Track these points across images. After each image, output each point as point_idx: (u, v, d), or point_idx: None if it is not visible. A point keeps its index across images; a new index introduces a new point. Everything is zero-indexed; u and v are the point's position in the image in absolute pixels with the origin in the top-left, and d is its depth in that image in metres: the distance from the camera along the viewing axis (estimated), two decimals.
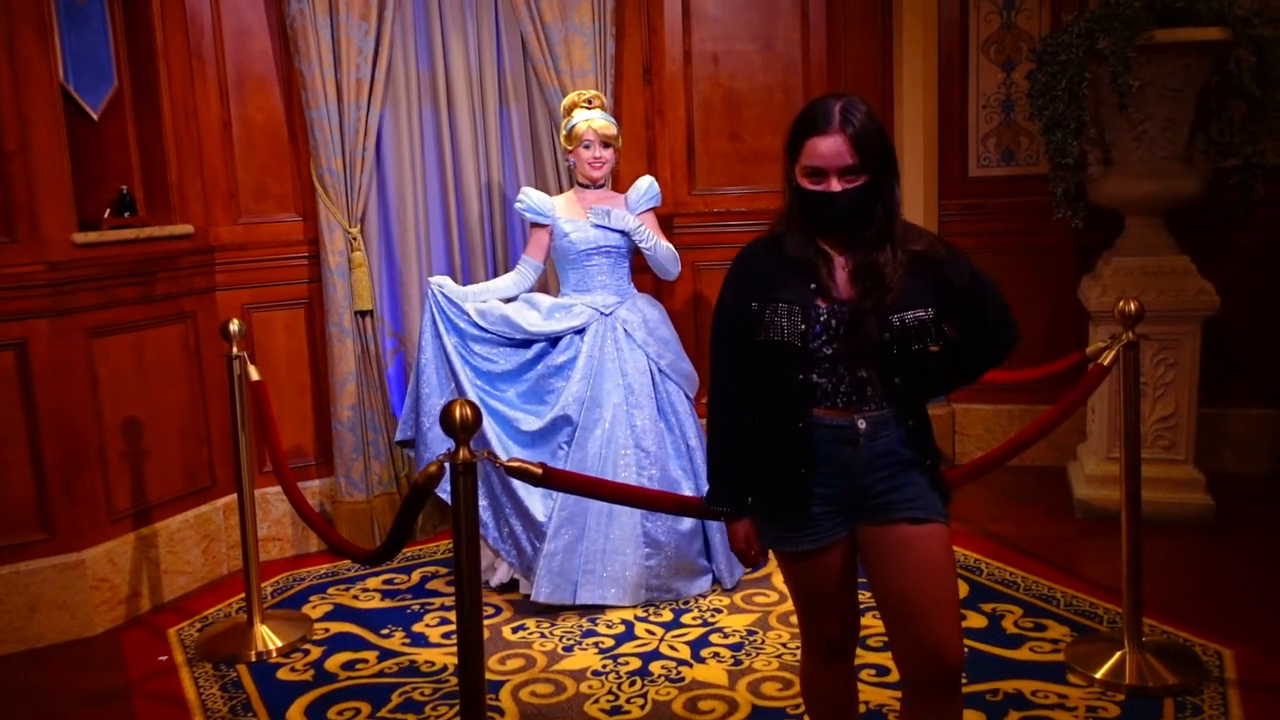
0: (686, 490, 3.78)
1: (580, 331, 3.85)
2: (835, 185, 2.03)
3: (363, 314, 4.29)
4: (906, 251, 2.06)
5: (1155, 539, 3.82)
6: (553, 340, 3.85)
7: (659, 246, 3.95)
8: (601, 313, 3.87)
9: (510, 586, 3.88)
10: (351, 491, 4.33)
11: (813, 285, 2.08)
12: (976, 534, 4.22)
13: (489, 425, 3.75)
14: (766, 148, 4.80)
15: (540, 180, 4.51)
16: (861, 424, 2.08)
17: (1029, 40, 4.77)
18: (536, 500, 3.73)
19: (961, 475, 3.20)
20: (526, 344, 3.86)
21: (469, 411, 2.12)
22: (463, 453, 2.14)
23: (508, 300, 3.97)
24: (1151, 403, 4.17)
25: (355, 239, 4.23)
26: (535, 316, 3.86)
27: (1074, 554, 4.00)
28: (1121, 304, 3.11)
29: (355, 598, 3.93)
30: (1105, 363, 3.12)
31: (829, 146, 2.01)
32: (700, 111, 4.88)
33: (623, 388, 3.80)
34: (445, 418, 2.13)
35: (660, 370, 3.88)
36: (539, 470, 2.32)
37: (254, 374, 3.57)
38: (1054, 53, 4.01)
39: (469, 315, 3.83)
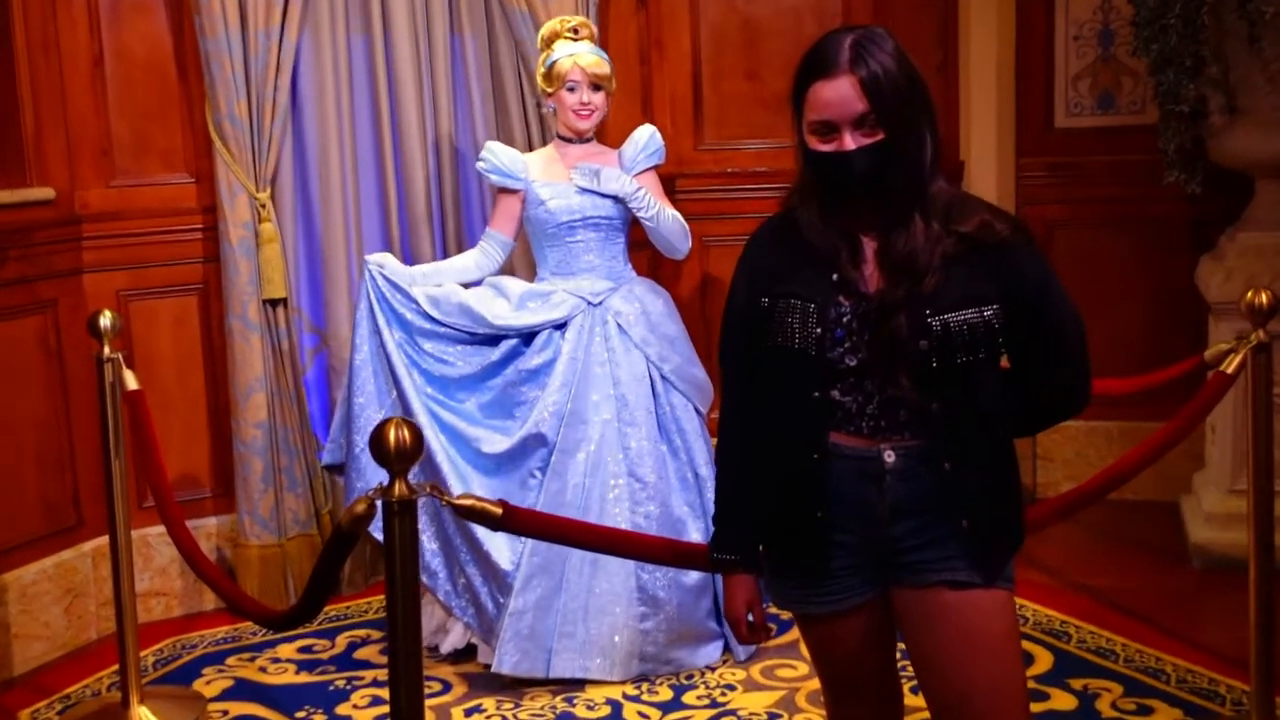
0: (694, 533, 3.78)
1: (561, 326, 3.85)
2: (849, 143, 2.02)
3: (274, 303, 4.28)
4: (953, 231, 2.05)
5: None
6: (526, 337, 3.85)
7: (663, 215, 3.95)
8: (589, 302, 3.87)
9: (466, 654, 3.88)
10: (259, 532, 4.32)
11: (834, 276, 2.08)
12: (1064, 588, 4.22)
13: (441, 446, 3.75)
14: None
15: (504, 133, 4.51)
16: (890, 457, 2.07)
17: None
18: (501, 543, 3.72)
19: (1045, 514, 3.21)
20: (492, 341, 3.86)
21: (406, 434, 2.12)
22: (398, 487, 2.13)
23: (468, 285, 3.97)
24: None
25: (264, 207, 4.22)
26: (504, 306, 3.86)
27: (1189, 614, 4.01)
28: (1250, 294, 3.12)
29: (263, 670, 3.92)
30: (1229, 370, 3.13)
31: (835, 93, 2.00)
32: (709, 44, 4.88)
33: (614, 399, 3.79)
34: (376, 442, 2.13)
35: (663, 377, 3.88)
36: (498, 510, 2.32)
37: (131, 381, 3.55)
38: None
39: (417, 303, 3.83)
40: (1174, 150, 4.19)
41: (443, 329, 3.84)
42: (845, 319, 2.06)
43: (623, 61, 4.70)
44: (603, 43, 4.50)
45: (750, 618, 2.26)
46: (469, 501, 2.32)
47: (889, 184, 2.04)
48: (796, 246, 2.13)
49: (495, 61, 4.52)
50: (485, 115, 4.55)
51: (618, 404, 3.80)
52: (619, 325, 3.87)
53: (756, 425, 2.19)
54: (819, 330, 2.06)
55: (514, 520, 2.37)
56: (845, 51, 2.01)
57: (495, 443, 3.78)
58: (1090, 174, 4.92)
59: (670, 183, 4.72)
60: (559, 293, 3.88)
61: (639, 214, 3.93)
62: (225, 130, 4.18)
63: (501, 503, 2.36)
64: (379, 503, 2.16)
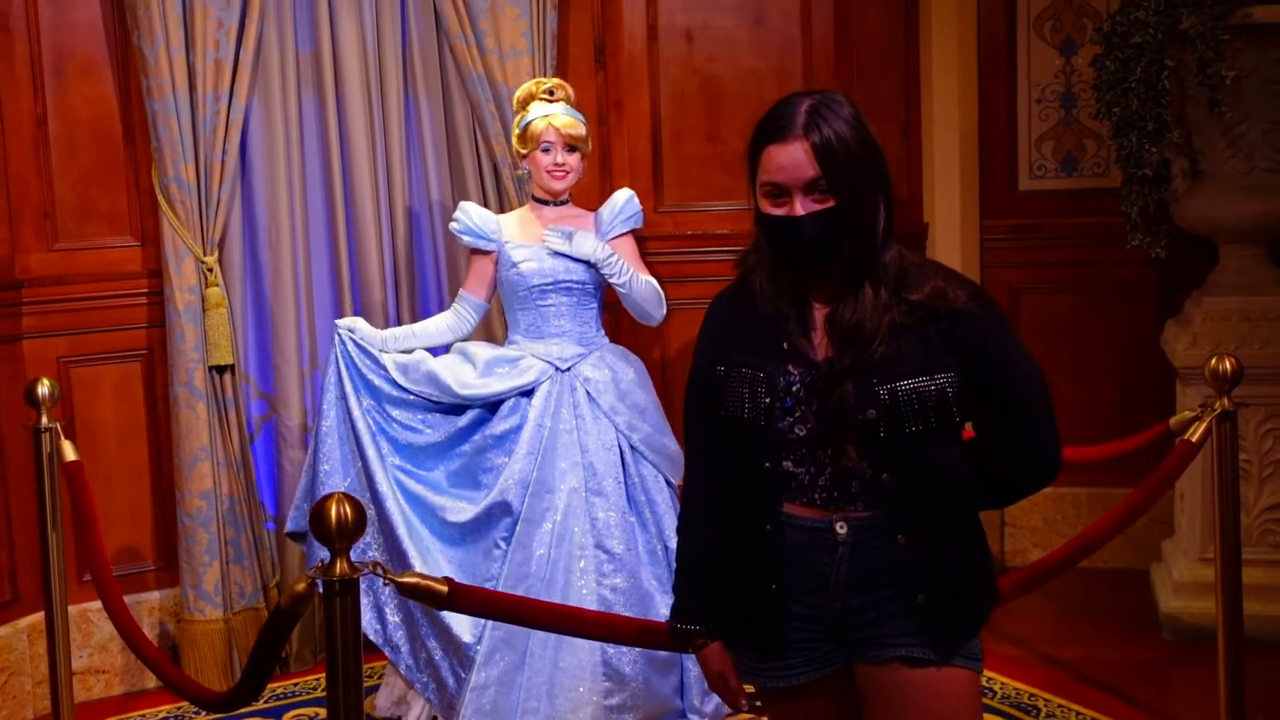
0: (662, 607, 3.73)
1: (529, 393, 3.84)
2: (799, 208, 2.05)
3: (221, 370, 4.26)
4: (904, 299, 2.07)
5: (1264, 664, 3.81)
6: (492, 405, 3.84)
7: (636, 281, 3.95)
8: (557, 368, 3.87)
9: None
10: (203, 607, 4.27)
11: (784, 344, 2.09)
12: (1033, 660, 4.22)
13: (404, 518, 3.74)
14: None
15: (459, 194, 4.51)
16: (841, 528, 2.08)
17: (1094, 17, 4.85)
18: (463, 615, 3.68)
19: (1014, 584, 3.21)
20: (459, 409, 3.85)
21: (348, 510, 2.10)
22: (340, 565, 2.11)
23: (439, 350, 3.97)
24: (1257, 487, 4.21)
25: (211, 271, 4.21)
26: (469, 373, 3.85)
27: (1160, 687, 4.02)
28: (1214, 361, 3.14)
29: None
30: (1194, 438, 3.15)
31: (787, 157, 2.04)
32: (669, 104, 4.91)
33: (582, 468, 3.78)
34: (317, 518, 2.11)
35: (632, 446, 3.87)
36: (444, 589, 2.30)
37: (70, 452, 3.53)
38: (1126, 33, 4.08)
39: (386, 370, 3.83)
40: (1137, 214, 4.24)
41: (411, 397, 3.83)
42: (794, 388, 2.08)
43: None
44: None
45: (730, 684, 2.25)
46: (413, 580, 2.30)
47: (839, 250, 2.06)
48: (752, 313, 2.15)
49: (450, 122, 4.53)
50: (440, 177, 4.55)
51: (585, 473, 3.78)
52: (588, 393, 3.86)
53: (719, 492, 2.19)
54: (767, 400, 2.07)
55: (461, 599, 2.35)
56: (800, 116, 2.04)
57: (460, 511, 3.76)
58: (1054, 237, 4.97)
59: None
60: (527, 358, 3.87)
61: (611, 280, 3.93)
62: (172, 193, 4.17)
63: (448, 580, 2.34)
64: (319, 582, 2.14)
